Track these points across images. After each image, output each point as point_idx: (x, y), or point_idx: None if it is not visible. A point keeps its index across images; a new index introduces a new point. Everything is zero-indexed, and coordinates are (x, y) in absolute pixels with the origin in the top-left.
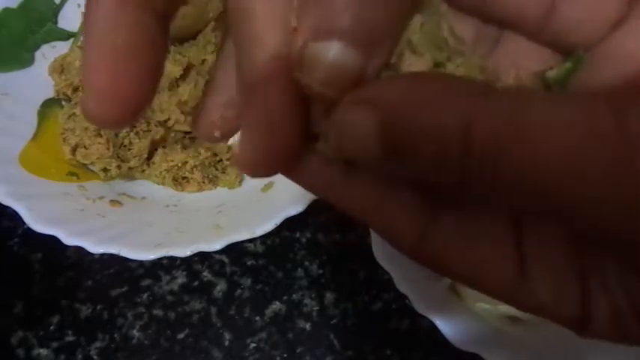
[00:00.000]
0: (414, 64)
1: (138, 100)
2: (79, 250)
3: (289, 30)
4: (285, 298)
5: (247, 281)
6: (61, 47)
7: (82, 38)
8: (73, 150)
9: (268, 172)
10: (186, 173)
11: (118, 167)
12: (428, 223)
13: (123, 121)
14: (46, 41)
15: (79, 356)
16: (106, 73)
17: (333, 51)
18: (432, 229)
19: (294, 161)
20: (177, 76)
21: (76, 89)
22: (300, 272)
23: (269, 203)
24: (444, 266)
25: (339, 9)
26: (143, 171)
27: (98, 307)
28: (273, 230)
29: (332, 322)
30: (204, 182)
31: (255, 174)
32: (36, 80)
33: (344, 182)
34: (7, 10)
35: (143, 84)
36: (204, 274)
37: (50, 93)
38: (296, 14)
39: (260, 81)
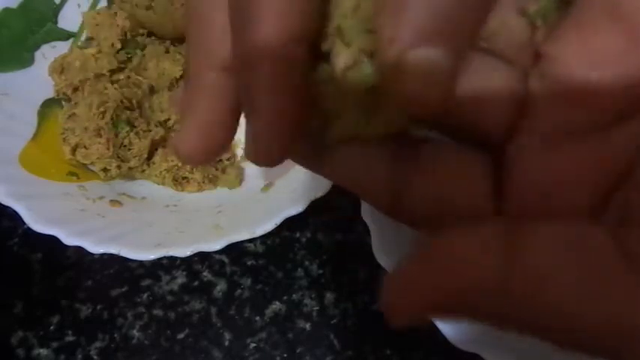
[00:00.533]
0: (341, 54)
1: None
2: (79, 250)
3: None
4: (285, 298)
5: (247, 281)
6: (61, 47)
7: (82, 37)
8: (73, 150)
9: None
10: (186, 173)
11: (118, 167)
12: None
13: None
14: (46, 41)
15: (79, 356)
16: (212, 133)
17: (433, 56)
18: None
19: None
20: (178, 76)
21: (75, 89)
22: (300, 272)
23: (269, 203)
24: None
25: (428, 13)
26: (143, 171)
27: (98, 307)
28: (273, 230)
29: (332, 322)
30: (204, 182)
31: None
32: (36, 80)
33: (324, 158)
34: (7, 10)
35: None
36: (204, 274)
37: (50, 93)
38: (377, 24)
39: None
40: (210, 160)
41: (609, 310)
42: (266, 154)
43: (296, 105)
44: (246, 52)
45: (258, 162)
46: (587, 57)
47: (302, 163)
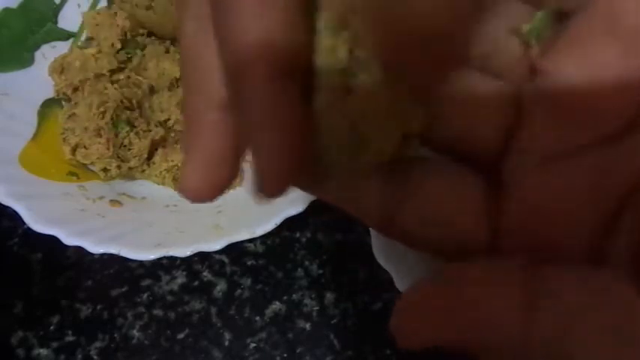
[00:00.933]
0: (320, 91)
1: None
2: (79, 250)
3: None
4: (285, 298)
5: (247, 281)
6: (61, 47)
7: (82, 37)
8: (73, 150)
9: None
10: None
11: (118, 167)
12: (394, 207)
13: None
14: (46, 41)
15: (79, 356)
16: (205, 180)
17: None
18: (398, 211)
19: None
20: (177, 76)
21: (75, 89)
22: (300, 272)
23: (269, 203)
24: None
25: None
26: (143, 171)
27: (98, 307)
28: (273, 230)
29: (332, 322)
30: None
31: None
32: (36, 80)
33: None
34: (7, 10)
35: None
36: (204, 274)
37: (50, 93)
38: None
39: (204, 130)
40: (216, 197)
41: None
42: (268, 188)
43: (295, 133)
44: (233, 63)
45: (261, 196)
46: (586, 72)
47: (294, 185)
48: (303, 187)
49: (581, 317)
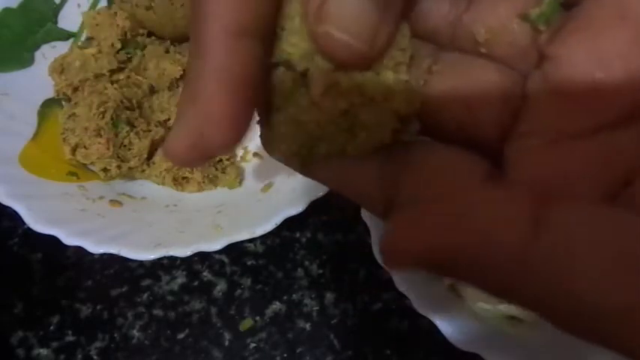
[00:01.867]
0: (316, 79)
1: (248, 124)
2: (79, 250)
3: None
4: (285, 298)
5: (247, 281)
6: (61, 47)
7: (82, 37)
8: (73, 150)
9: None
10: (186, 173)
11: (118, 167)
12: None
13: (234, 144)
14: (46, 41)
15: (79, 356)
16: (227, 103)
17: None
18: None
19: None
20: (178, 77)
21: (75, 89)
22: (300, 272)
23: (269, 203)
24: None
25: None
26: (143, 171)
27: (98, 307)
28: (273, 230)
29: (332, 322)
30: (204, 182)
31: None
32: (36, 80)
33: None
34: (7, 10)
35: (253, 108)
36: (204, 274)
37: (50, 93)
38: None
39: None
40: (206, 160)
41: (632, 301)
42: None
43: (241, 85)
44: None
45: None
46: (594, 57)
47: (296, 169)
48: (302, 171)
49: (587, 240)
